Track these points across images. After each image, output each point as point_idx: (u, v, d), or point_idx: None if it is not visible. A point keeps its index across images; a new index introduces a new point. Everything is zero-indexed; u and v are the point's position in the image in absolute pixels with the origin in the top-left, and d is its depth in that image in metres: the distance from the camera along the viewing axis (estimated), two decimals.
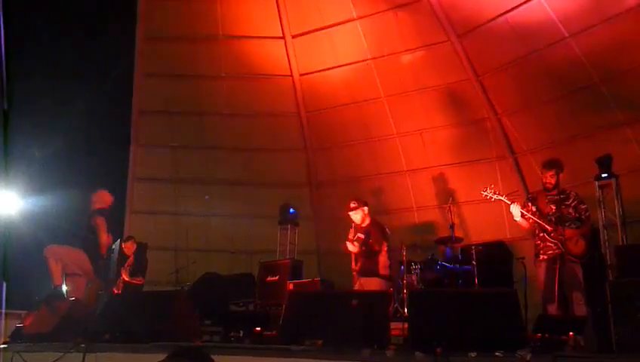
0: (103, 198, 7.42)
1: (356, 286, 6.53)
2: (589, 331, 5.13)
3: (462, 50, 9.76)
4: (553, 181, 5.82)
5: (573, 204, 5.79)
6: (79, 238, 7.09)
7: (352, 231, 6.71)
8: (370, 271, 6.47)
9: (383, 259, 6.54)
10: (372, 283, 6.39)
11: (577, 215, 5.76)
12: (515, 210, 5.74)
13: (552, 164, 5.90)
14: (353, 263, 6.69)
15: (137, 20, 11.09)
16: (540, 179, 9.09)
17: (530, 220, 5.77)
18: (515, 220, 5.82)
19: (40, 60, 9.68)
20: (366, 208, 6.77)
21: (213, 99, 11.50)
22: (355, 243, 6.54)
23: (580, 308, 5.39)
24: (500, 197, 5.97)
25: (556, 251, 5.61)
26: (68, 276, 6.97)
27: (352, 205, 6.73)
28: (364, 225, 6.72)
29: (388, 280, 6.59)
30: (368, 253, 6.52)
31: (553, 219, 5.71)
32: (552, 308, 5.47)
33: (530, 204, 5.91)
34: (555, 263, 5.48)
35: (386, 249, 6.61)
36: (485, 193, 6.06)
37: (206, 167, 11.74)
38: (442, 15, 9.67)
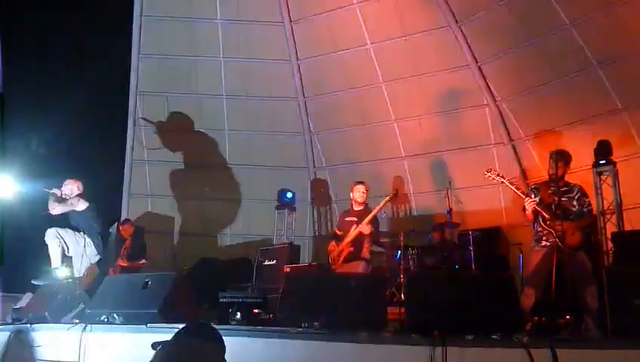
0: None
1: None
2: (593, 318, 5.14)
3: (461, 36, 9.72)
4: (560, 172, 5.77)
5: (577, 197, 5.74)
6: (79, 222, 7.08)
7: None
8: (354, 255, 6.64)
9: (367, 243, 6.74)
10: (355, 266, 6.55)
11: (580, 207, 5.72)
12: (529, 206, 5.64)
13: (562, 155, 5.83)
14: (335, 250, 6.74)
15: (136, 0, 10.99)
16: (536, 165, 9.27)
17: (534, 211, 5.70)
18: (527, 213, 5.71)
19: (36, 43, 9.62)
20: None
21: (211, 83, 11.42)
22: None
23: (595, 301, 5.32)
24: (503, 180, 5.94)
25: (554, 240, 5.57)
26: (67, 258, 6.98)
27: (366, 183, 7.04)
28: (359, 209, 6.86)
29: (369, 263, 6.80)
30: (358, 239, 6.67)
31: (553, 208, 5.64)
32: (530, 293, 5.43)
33: (532, 195, 5.85)
34: (560, 250, 5.44)
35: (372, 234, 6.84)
36: (489, 174, 6.03)
37: (204, 151, 11.71)
38: (442, 1, 9.62)
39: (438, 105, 10.40)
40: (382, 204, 6.87)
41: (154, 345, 2.20)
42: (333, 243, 6.86)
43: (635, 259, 6.61)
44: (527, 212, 5.65)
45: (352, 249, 6.60)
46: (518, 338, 3.67)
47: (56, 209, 6.95)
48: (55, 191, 7.03)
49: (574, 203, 5.68)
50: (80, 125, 9.74)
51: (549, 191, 5.73)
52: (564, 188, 5.73)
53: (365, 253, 6.71)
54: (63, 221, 7.12)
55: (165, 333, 4.14)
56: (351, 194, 7.04)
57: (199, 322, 2.54)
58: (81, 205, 7.08)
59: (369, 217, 6.68)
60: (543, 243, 5.61)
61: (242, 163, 11.64)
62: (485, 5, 9.33)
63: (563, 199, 5.63)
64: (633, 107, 8.38)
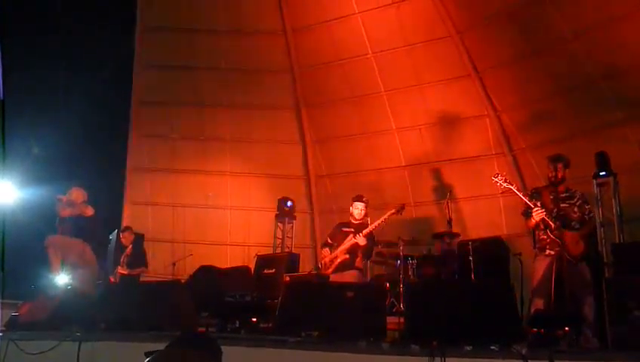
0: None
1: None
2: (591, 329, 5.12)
3: (463, 46, 9.75)
4: (560, 175, 5.74)
5: (578, 203, 5.70)
6: (81, 229, 7.10)
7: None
8: (348, 265, 6.66)
9: (360, 254, 6.77)
10: (349, 276, 6.56)
11: (581, 214, 5.69)
12: (538, 216, 5.58)
13: (560, 158, 5.82)
14: (328, 256, 6.75)
15: (137, 10, 11.06)
16: (537, 176, 9.25)
17: (540, 218, 5.64)
18: (535, 220, 5.64)
19: (38, 50, 9.64)
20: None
21: (212, 91, 11.47)
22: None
23: (591, 312, 5.28)
24: (511, 186, 5.91)
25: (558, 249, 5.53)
26: (67, 266, 6.97)
27: (365, 199, 6.98)
28: (358, 222, 6.88)
29: (361, 271, 6.86)
30: (353, 248, 6.68)
31: (554, 214, 5.61)
32: (540, 303, 5.41)
33: (535, 200, 5.82)
34: (560, 261, 5.41)
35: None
36: (496, 179, 5.99)
37: (204, 159, 11.73)
38: (444, 10, 9.66)
39: (438, 115, 10.41)
40: (386, 216, 6.83)
41: (147, 354, 2.18)
42: (327, 249, 6.89)
43: (635, 270, 6.58)
44: (534, 220, 5.59)
45: (347, 256, 6.62)
46: (517, 350, 3.66)
47: (66, 212, 7.03)
48: (61, 197, 7.11)
49: (575, 209, 5.64)
50: (80, 133, 9.76)
51: (551, 197, 5.69)
52: (564, 194, 5.70)
53: (359, 262, 6.74)
54: (63, 227, 7.13)
55: (163, 342, 4.13)
56: (350, 208, 7.04)
57: (195, 331, 2.53)
58: (90, 211, 7.23)
59: (368, 229, 6.70)
60: (547, 251, 5.58)
61: (242, 171, 11.65)
62: (486, 16, 9.36)
63: (564, 205, 5.61)
64: (633, 119, 8.38)
